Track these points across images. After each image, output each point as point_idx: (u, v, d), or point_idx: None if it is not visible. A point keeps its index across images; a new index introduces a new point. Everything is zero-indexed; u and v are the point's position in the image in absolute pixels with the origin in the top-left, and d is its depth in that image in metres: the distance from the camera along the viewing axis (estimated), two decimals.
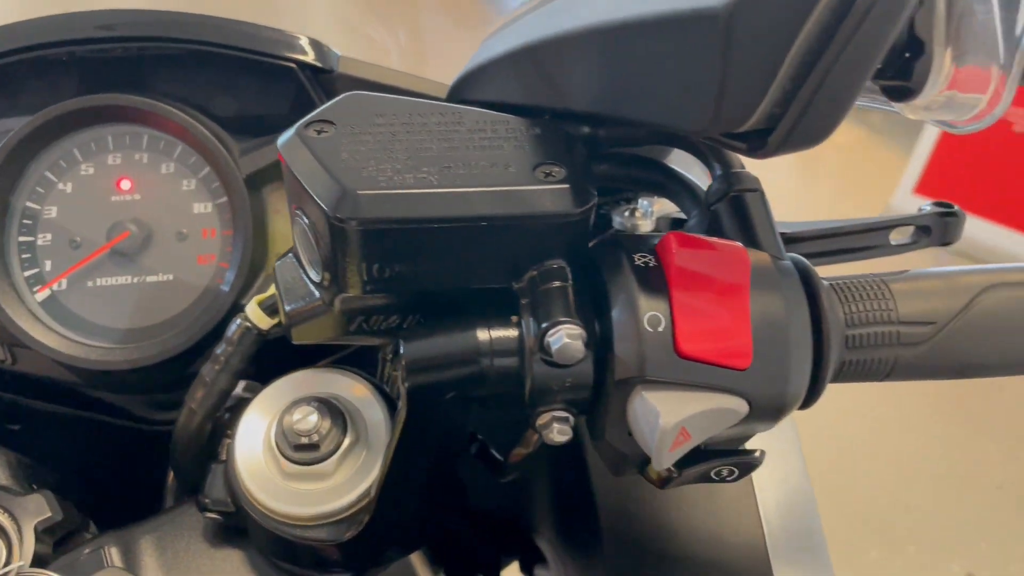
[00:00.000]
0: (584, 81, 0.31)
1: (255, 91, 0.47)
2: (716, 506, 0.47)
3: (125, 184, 0.47)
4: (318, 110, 0.32)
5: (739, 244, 0.31)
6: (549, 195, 0.30)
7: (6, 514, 0.38)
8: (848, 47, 0.22)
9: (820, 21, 0.22)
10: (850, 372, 0.33)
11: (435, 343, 0.31)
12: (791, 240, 0.42)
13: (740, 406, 0.30)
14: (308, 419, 0.36)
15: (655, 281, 0.30)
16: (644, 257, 0.31)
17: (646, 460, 0.34)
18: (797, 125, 0.25)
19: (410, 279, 0.31)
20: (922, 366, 0.33)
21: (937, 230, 0.44)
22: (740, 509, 0.47)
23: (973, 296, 0.32)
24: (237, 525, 0.40)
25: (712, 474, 0.34)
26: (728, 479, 0.34)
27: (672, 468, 0.34)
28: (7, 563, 0.37)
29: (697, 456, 0.33)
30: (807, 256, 0.42)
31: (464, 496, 0.56)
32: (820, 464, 2.16)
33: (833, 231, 0.42)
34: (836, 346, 0.32)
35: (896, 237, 0.44)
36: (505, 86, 0.37)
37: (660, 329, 0.29)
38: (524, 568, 0.75)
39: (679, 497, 0.48)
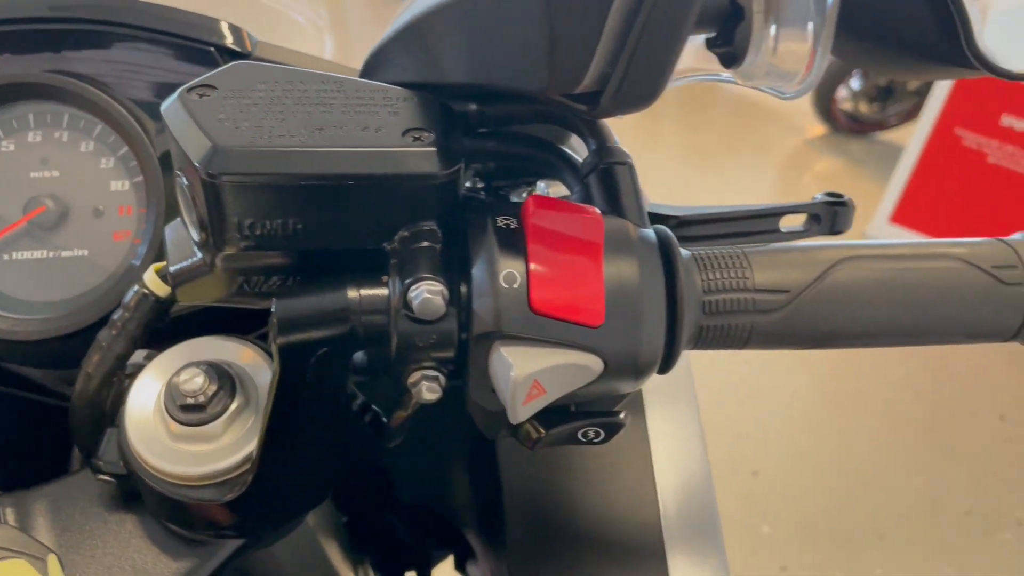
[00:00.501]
0: (448, 52, 0.33)
1: (174, 73, 0.49)
2: (616, 488, 0.48)
3: (44, 161, 0.48)
4: (203, 76, 0.33)
5: (595, 209, 0.32)
6: (415, 156, 0.31)
7: None
8: (658, 7, 0.24)
9: None
10: (709, 338, 0.34)
11: (306, 301, 0.33)
12: (684, 223, 0.44)
13: (594, 363, 0.31)
14: (194, 380, 0.37)
15: (514, 241, 0.31)
16: (507, 220, 0.32)
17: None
18: (623, 85, 0.26)
19: (283, 237, 0.32)
20: (777, 333, 0.34)
21: (827, 219, 0.45)
22: (639, 492, 0.48)
23: (826, 268, 0.34)
24: (131, 489, 0.40)
25: (579, 435, 0.35)
26: (595, 441, 0.35)
27: (540, 428, 0.35)
28: None
29: (563, 417, 0.35)
30: (697, 239, 0.43)
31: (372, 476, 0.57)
32: (791, 486, 2.16)
33: (723, 216, 0.44)
34: (692, 310, 0.33)
35: (788, 224, 0.45)
36: (398, 66, 0.38)
37: (515, 286, 0.30)
38: (458, 564, 0.76)
39: (582, 479, 0.49)
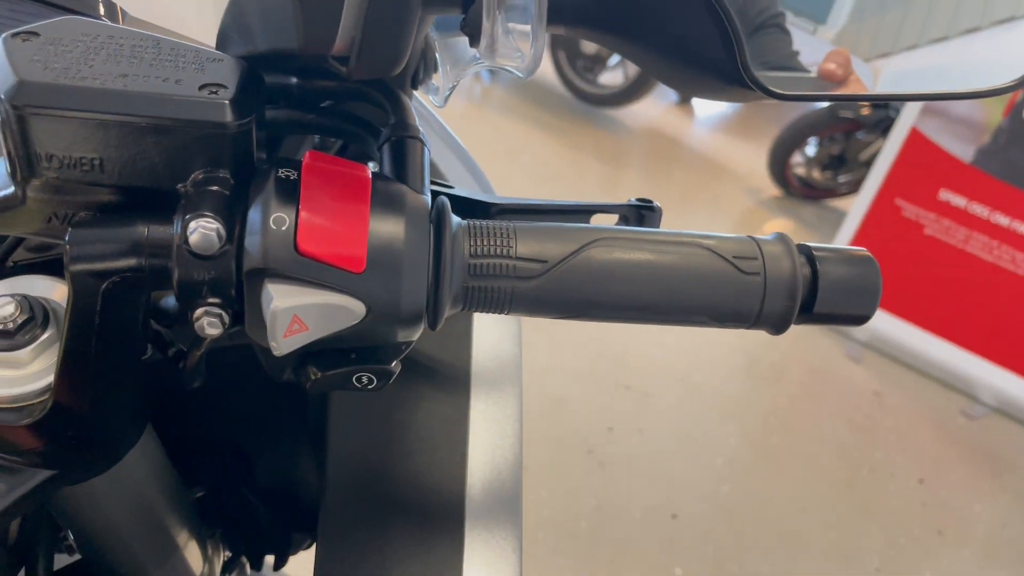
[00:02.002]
0: (252, 22, 0.36)
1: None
2: (430, 461, 0.51)
3: None
4: (30, 25, 0.37)
5: (365, 167, 0.36)
6: (205, 106, 0.35)
7: None
8: None
9: None
10: (475, 299, 0.38)
11: (98, 232, 0.36)
12: (502, 210, 0.47)
13: (356, 307, 0.35)
14: (5, 308, 0.40)
15: (290, 190, 0.35)
16: (288, 172, 0.35)
17: (299, 362, 0.38)
18: (367, 50, 0.30)
19: (83, 172, 0.35)
20: (535, 299, 0.37)
21: (635, 221, 0.49)
22: (450, 468, 0.51)
23: (580, 246, 0.37)
24: None
25: (354, 380, 0.38)
26: (369, 387, 0.38)
27: (316, 370, 0.38)
28: None
29: (339, 361, 0.38)
30: None
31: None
32: (708, 532, 2.19)
33: (538, 207, 0.48)
34: (457, 271, 0.36)
35: (597, 222, 0.49)
36: (230, 40, 0.42)
37: (283, 228, 0.34)
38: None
39: (400, 451, 0.52)
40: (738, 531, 2.24)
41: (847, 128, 3.90)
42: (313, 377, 0.38)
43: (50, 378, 0.40)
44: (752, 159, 4.57)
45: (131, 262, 0.35)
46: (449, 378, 0.54)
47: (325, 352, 0.38)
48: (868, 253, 0.40)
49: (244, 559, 0.73)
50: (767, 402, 2.79)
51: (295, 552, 0.77)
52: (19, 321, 0.40)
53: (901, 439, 2.74)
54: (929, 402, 2.94)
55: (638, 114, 4.92)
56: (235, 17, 0.40)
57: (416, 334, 0.38)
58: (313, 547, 0.78)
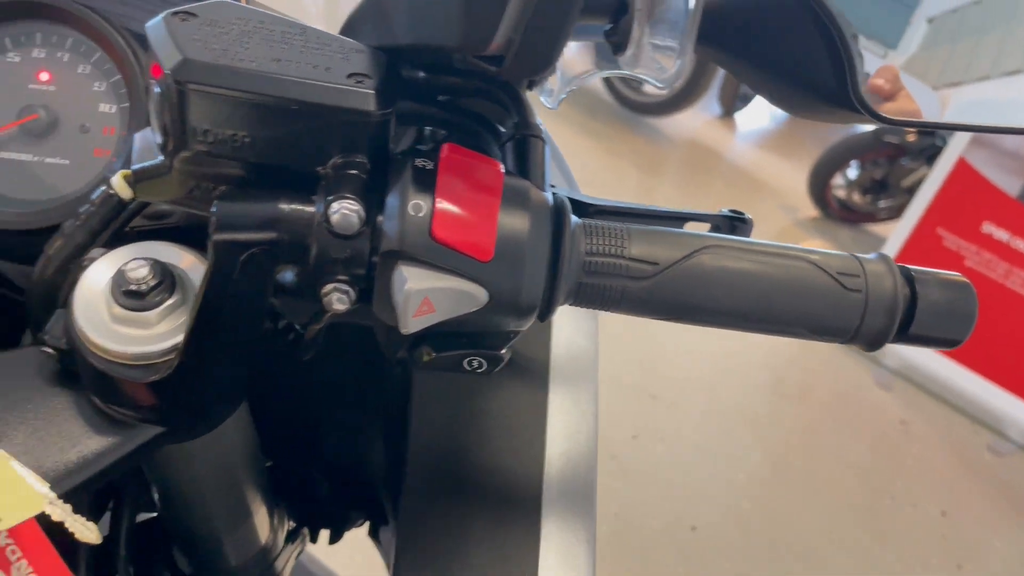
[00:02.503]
0: (396, 16, 0.38)
1: None
2: (509, 447, 0.53)
3: (44, 76, 0.53)
4: (188, 5, 0.39)
5: (498, 162, 0.38)
6: (352, 94, 0.37)
7: None
8: None
9: None
10: (587, 295, 0.39)
11: (242, 206, 0.38)
12: (600, 211, 0.49)
13: (480, 294, 0.36)
14: (140, 270, 0.42)
15: (427, 180, 0.37)
16: (424, 162, 0.37)
17: (415, 342, 0.40)
18: (523, 52, 0.32)
19: (232, 148, 0.37)
20: (645, 300, 0.39)
21: (727, 230, 0.51)
22: (528, 455, 0.53)
23: (691, 251, 0.39)
24: (70, 366, 0.45)
25: (465, 363, 0.40)
26: (478, 371, 0.40)
27: (431, 351, 0.40)
28: None
29: (454, 344, 0.40)
30: None
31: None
32: (726, 546, 2.19)
33: (633, 211, 0.49)
34: (573, 266, 0.38)
35: (690, 229, 0.51)
36: (364, 32, 0.44)
37: (420, 215, 0.36)
38: (372, 531, 0.79)
39: (481, 436, 0.54)
40: (756, 548, 2.24)
41: (891, 153, 3.87)
42: (427, 357, 0.40)
43: (173, 340, 0.42)
44: (792, 177, 4.55)
45: (271, 235, 0.37)
46: (528, 370, 0.56)
47: (441, 334, 0.40)
48: (966, 279, 0.41)
49: (306, 531, 0.75)
50: (791, 421, 2.79)
51: (349, 529, 0.79)
52: (151, 284, 0.42)
53: (925, 470, 2.72)
54: (956, 435, 2.92)
55: (680, 124, 4.91)
56: (374, 8, 0.42)
57: (527, 324, 0.40)
58: (364, 526, 0.80)
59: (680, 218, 0.50)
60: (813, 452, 2.66)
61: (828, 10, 0.37)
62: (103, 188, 0.44)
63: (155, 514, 0.65)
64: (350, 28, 0.45)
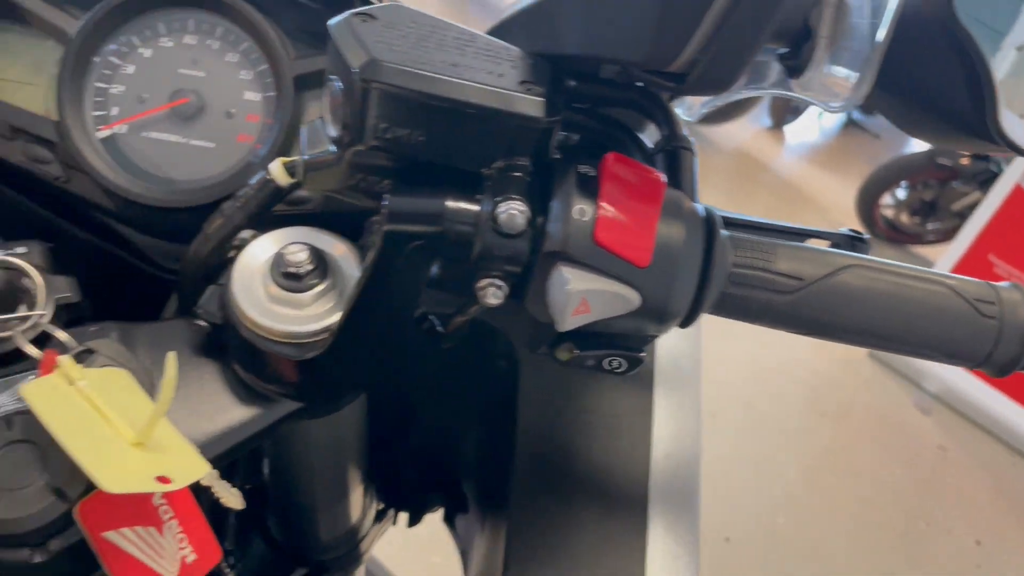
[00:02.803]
0: (568, 26, 0.40)
1: (317, 11, 0.57)
2: (615, 446, 0.55)
3: (194, 61, 0.56)
4: (365, 8, 0.41)
5: (661, 173, 0.40)
6: (526, 101, 0.39)
7: (33, 281, 0.46)
8: (748, 8, 0.31)
9: None
10: (730, 306, 0.41)
11: (412, 201, 0.40)
12: (729, 223, 0.51)
13: (634, 297, 0.38)
14: (299, 254, 0.44)
15: (590, 186, 0.39)
16: (587, 168, 0.39)
17: (558, 338, 0.42)
18: (707, 71, 0.33)
19: (406, 145, 0.39)
20: (786, 314, 0.41)
21: (846, 248, 0.52)
22: (634, 454, 0.55)
23: (836, 269, 0.41)
24: (220, 339, 0.47)
25: (605, 362, 0.42)
26: (618, 370, 0.42)
27: (576, 349, 0.42)
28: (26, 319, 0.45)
29: (597, 343, 0.42)
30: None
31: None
32: (758, 558, 2.19)
33: (759, 225, 0.51)
34: (720, 276, 0.40)
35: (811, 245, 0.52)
36: (521, 36, 0.46)
37: (585, 219, 0.38)
38: (447, 517, 0.82)
39: (587, 433, 0.56)
40: (788, 563, 2.24)
41: (944, 176, 3.83)
42: (569, 354, 0.42)
43: (324, 322, 0.45)
44: (839, 193, 4.52)
45: (437, 229, 0.40)
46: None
47: (585, 334, 0.41)
48: None
49: (392, 512, 0.78)
50: (829, 439, 2.77)
51: (426, 513, 0.82)
52: (308, 268, 0.45)
53: (962, 497, 2.70)
54: (994, 464, 2.89)
55: (729, 134, 4.89)
56: (539, 16, 0.43)
57: (669, 330, 0.41)
58: (439, 512, 0.83)
59: (804, 234, 0.52)
60: (849, 471, 2.65)
61: (971, 39, 0.38)
62: (262, 174, 0.47)
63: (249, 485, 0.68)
64: (505, 31, 0.47)
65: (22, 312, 0.45)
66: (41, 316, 0.44)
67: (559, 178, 0.39)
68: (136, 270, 0.59)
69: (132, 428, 0.41)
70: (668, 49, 0.33)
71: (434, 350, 0.49)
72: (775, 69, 0.39)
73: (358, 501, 0.68)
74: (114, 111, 0.55)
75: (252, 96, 0.56)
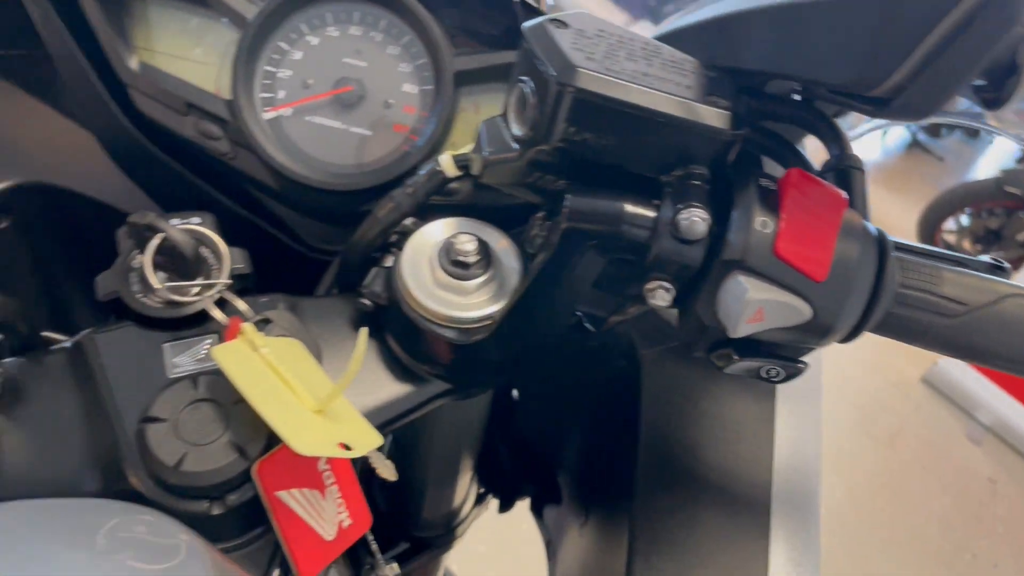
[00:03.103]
0: (757, 43, 0.42)
1: (478, 11, 0.59)
2: (737, 453, 0.56)
3: (358, 52, 0.58)
4: (557, 13, 0.43)
5: (843, 193, 0.41)
6: (714, 114, 0.40)
7: (210, 252, 0.48)
8: (968, 41, 0.32)
9: (961, 11, 0.31)
10: (893, 324, 0.42)
11: (592, 202, 0.42)
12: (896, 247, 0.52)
13: (806, 310, 0.40)
14: (468, 244, 0.47)
15: (771, 199, 0.40)
16: (767, 181, 0.41)
17: (717, 343, 0.44)
18: (912, 98, 0.35)
19: (591, 148, 0.41)
20: (947, 338, 0.42)
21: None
22: (757, 462, 0.56)
23: (999, 297, 0.42)
24: (379, 319, 0.50)
25: (762, 371, 0.43)
26: (774, 379, 0.44)
27: (735, 355, 0.43)
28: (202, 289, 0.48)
29: (757, 350, 0.43)
30: None
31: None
32: None
33: (907, 247, 0.52)
34: (888, 296, 0.41)
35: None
36: (698, 45, 0.47)
37: (766, 231, 0.39)
38: (534, 506, 0.84)
39: (710, 438, 0.57)
40: None
41: (1011, 205, 3.75)
42: (731, 360, 0.43)
43: (485, 310, 0.47)
44: (900, 214, 4.44)
45: (615, 230, 0.41)
46: None
47: (747, 341, 0.43)
48: None
49: (489, 497, 0.80)
50: (878, 464, 2.75)
51: (518, 500, 0.84)
52: (475, 258, 0.47)
53: (1010, 531, 2.65)
54: None
55: None
56: (723, 29, 0.45)
57: (829, 344, 0.43)
58: (526, 502, 0.85)
59: (943, 259, 0.52)
60: (897, 497, 2.62)
61: None
62: (431, 165, 0.49)
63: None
64: (678, 39, 0.48)
65: (200, 280, 0.48)
66: (227, 284, 0.47)
67: (740, 189, 0.41)
68: (284, 246, 0.62)
69: (311, 395, 0.44)
70: (876, 74, 0.35)
71: (574, 345, 0.51)
72: (966, 99, 0.40)
73: (465, 484, 0.70)
74: (280, 94, 0.58)
75: (410, 88, 0.59)
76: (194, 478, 0.42)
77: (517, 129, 0.43)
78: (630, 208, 0.42)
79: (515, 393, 0.77)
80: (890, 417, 2.98)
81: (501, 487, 0.81)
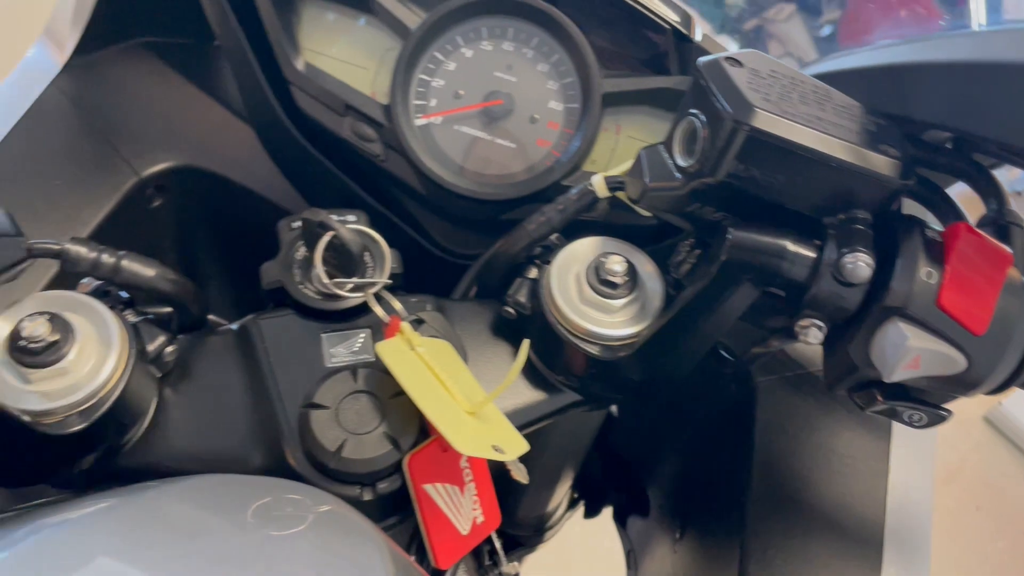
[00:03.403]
0: (931, 97, 0.43)
1: (629, 35, 0.61)
2: (851, 488, 0.57)
3: (509, 67, 0.60)
4: (731, 52, 0.45)
5: (1009, 250, 0.42)
6: (886, 163, 0.41)
7: (380, 250, 0.51)
8: None
9: None
10: None
11: (755, 237, 0.43)
12: None
13: (961, 361, 0.41)
14: (618, 266, 0.48)
15: (936, 250, 0.41)
16: (932, 232, 0.42)
17: (863, 383, 0.45)
18: None
19: (757, 185, 0.42)
20: None
21: None
22: (871, 498, 0.57)
23: None
24: (518, 327, 0.52)
25: (905, 415, 0.44)
26: (915, 424, 0.44)
27: (881, 397, 0.44)
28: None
29: (904, 394, 0.44)
30: None
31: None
32: None
33: None
34: None
35: None
36: (860, 88, 0.48)
37: (931, 282, 0.40)
38: (618, 515, 0.85)
39: (823, 471, 0.58)
40: None
41: None
42: (875, 402, 0.44)
43: (628, 329, 0.49)
44: None
45: (774, 266, 0.43)
46: (871, 416, 0.60)
47: (894, 385, 0.44)
48: None
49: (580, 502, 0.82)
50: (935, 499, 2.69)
51: (604, 507, 0.85)
52: (623, 280, 0.49)
53: None
54: None
55: None
56: (894, 79, 0.46)
57: (975, 395, 0.43)
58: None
59: None
60: (952, 536, 2.57)
61: None
62: (583, 185, 0.51)
63: None
64: (841, 81, 0.49)
65: (358, 278, 0.50)
66: (388, 284, 0.50)
67: (905, 237, 0.42)
68: (418, 247, 0.65)
69: (464, 397, 0.46)
70: None
71: (711, 372, 0.52)
72: None
73: (564, 489, 0.73)
74: (432, 102, 0.60)
75: (555, 105, 0.61)
76: (351, 464, 0.45)
77: (682, 160, 0.45)
78: (792, 246, 0.43)
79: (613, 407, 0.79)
80: (949, 454, 2.91)
81: (591, 494, 0.82)
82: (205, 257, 0.72)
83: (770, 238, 0.43)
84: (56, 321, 0.42)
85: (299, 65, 0.59)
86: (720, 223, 0.45)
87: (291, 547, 0.32)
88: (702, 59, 0.45)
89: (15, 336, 0.41)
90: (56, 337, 0.41)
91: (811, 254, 0.43)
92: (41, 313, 0.42)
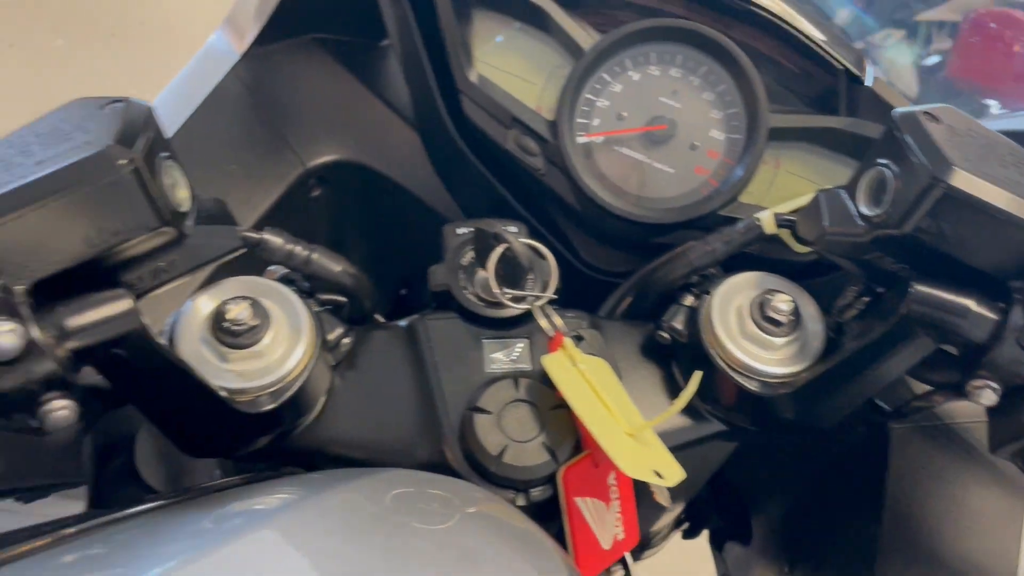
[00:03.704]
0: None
1: (795, 71, 0.61)
2: (982, 544, 0.57)
3: (674, 92, 0.61)
4: (929, 106, 0.45)
5: None
6: None
7: (548, 264, 0.52)
8: None
9: None
10: None
11: (938, 295, 0.43)
12: None
13: None
14: (786, 305, 0.49)
15: None
16: None
17: None
18: None
19: (943, 240, 0.42)
20: None
21: None
22: (1003, 556, 0.56)
23: None
24: (672, 352, 0.53)
25: None
26: None
27: None
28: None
29: None
30: None
31: None
32: None
33: None
34: None
35: None
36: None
37: None
38: (714, 537, 0.86)
39: (955, 522, 0.58)
40: None
41: None
42: None
43: (786, 369, 0.49)
44: None
45: (955, 323, 0.43)
46: (1007, 475, 0.59)
47: None
48: None
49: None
50: None
51: (704, 529, 0.86)
52: (786, 319, 0.49)
53: None
54: None
55: None
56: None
57: None
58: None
59: None
60: None
61: None
62: (750, 220, 0.52)
63: None
64: None
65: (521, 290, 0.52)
66: (553, 298, 0.51)
67: None
68: (567, 263, 0.66)
69: (624, 417, 0.48)
70: None
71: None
72: None
73: (676, 512, 0.73)
74: (595, 122, 0.62)
75: (717, 135, 0.61)
76: (511, 470, 0.47)
77: (867, 208, 0.45)
78: (976, 307, 0.43)
79: None
80: None
81: (693, 514, 0.83)
82: (351, 249, 0.75)
83: (953, 296, 0.43)
84: (256, 307, 0.45)
85: (472, 76, 0.61)
86: (898, 274, 0.45)
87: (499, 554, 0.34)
88: (898, 111, 0.45)
89: (219, 317, 0.44)
90: (257, 322, 0.44)
91: (995, 317, 0.43)
92: (244, 298, 0.45)
